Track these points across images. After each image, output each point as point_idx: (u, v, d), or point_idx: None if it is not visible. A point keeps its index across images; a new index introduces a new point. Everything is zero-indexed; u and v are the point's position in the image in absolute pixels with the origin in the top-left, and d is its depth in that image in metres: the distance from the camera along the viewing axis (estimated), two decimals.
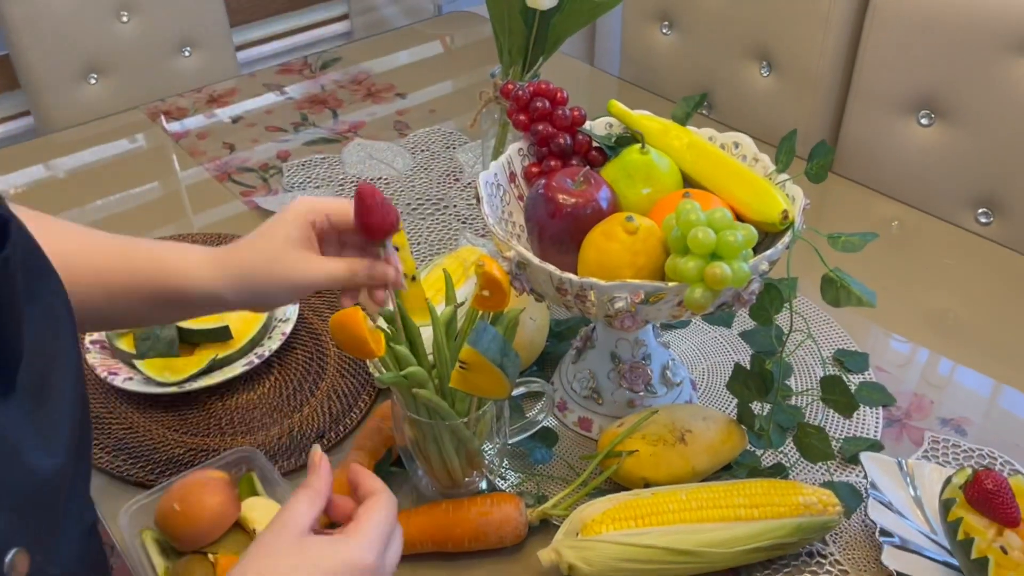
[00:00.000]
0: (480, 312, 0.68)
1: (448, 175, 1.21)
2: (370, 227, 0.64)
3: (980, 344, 0.94)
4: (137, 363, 0.85)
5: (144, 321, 0.74)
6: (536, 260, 0.68)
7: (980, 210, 1.14)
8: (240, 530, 0.70)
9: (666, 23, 1.42)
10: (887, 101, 1.18)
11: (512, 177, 0.82)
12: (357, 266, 0.65)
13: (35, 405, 0.46)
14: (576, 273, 0.70)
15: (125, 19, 1.64)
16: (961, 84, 1.11)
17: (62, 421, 0.48)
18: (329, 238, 0.67)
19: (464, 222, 1.11)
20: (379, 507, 0.56)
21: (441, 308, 0.71)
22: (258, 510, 0.70)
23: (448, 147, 1.27)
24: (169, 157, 1.29)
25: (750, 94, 1.33)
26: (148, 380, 0.84)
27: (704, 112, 1.41)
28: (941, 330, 0.96)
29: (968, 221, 1.15)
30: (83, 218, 1.16)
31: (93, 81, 1.65)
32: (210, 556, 0.68)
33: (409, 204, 1.15)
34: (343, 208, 0.66)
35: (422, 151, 1.26)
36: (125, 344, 0.87)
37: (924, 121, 1.16)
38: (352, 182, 1.20)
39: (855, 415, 0.84)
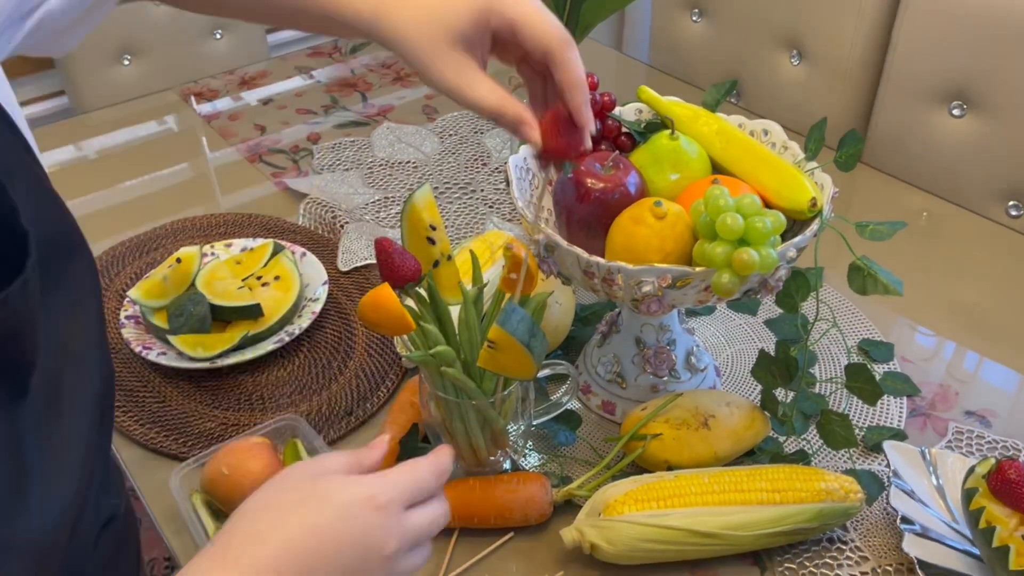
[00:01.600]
0: (507, 295, 0.69)
1: (476, 159, 1.21)
2: (557, 150, 0.58)
3: (1007, 337, 0.93)
4: (171, 338, 0.87)
5: (286, 20, 0.66)
6: (564, 243, 0.68)
7: (1011, 203, 1.13)
8: None
9: (696, 10, 1.42)
10: (919, 92, 1.17)
11: None
12: (508, 105, 0.57)
13: (49, 415, 0.45)
14: (604, 257, 0.71)
15: (219, 36, 1.66)
16: (994, 76, 1.10)
17: (78, 438, 0.47)
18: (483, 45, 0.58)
19: (491, 206, 1.12)
20: (417, 461, 0.53)
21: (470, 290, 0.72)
22: None
23: (476, 132, 1.27)
24: (200, 138, 1.31)
25: (780, 83, 1.32)
26: (181, 355, 0.86)
27: (733, 100, 1.41)
28: (968, 322, 0.96)
29: (998, 214, 1.14)
30: (114, 198, 1.18)
31: (127, 63, 1.67)
32: None
33: (437, 188, 1.16)
34: (536, 28, 0.57)
35: (450, 135, 1.27)
36: (159, 320, 0.89)
37: (956, 112, 1.15)
38: (381, 165, 1.21)
39: (879, 404, 0.85)
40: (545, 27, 0.58)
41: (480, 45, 0.58)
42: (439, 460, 0.55)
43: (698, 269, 0.65)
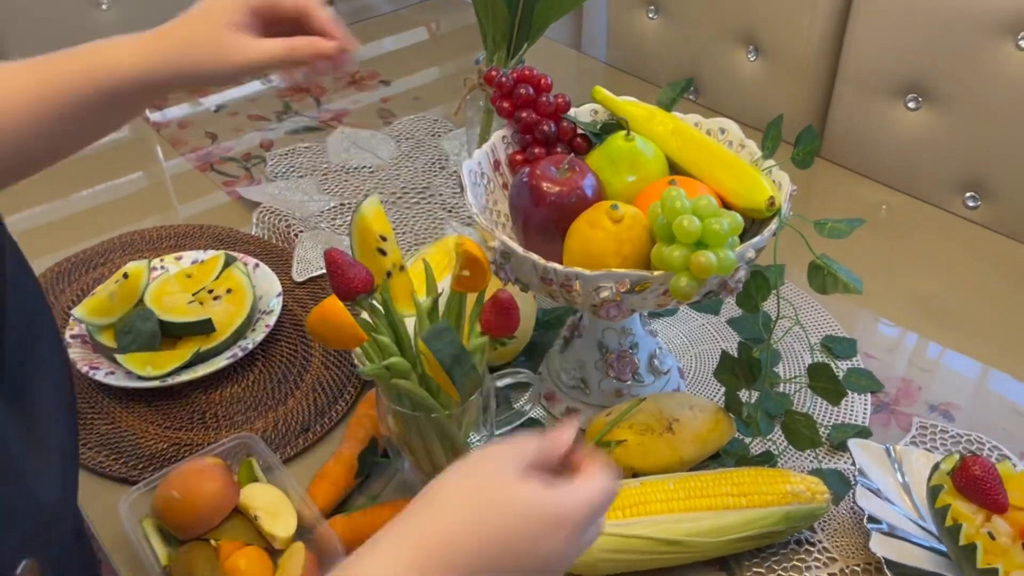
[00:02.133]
0: (462, 294, 0.67)
1: (433, 163, 1.19)
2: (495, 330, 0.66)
3: (967, 328, 0.94)
4: (118, 357, 0.84)
5: (76, 137, 0.69)
6: (520, 250, 0.67)
7: (968, 194, 1.14)
8: (240, 515, 0.69)
9: (652, 7, 1.41)
10: (874, 85, 1.17)
11: (496, 165, 0.81)
12: (296, 42, 0.64)
13: (24, 423, 0.45)
14: (562, 262, 0.69)
15: (105, 7, 1.61)
16: (948, 68, 1.10)
17: (53, 445, 0.47)
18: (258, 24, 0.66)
19: (449, 211, 1.10)
20: (608, 476, 0.50)
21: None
22: (258, 495, 0.70)
23: (433, 135, 1.25)
24: (151, 147, 1.28)
25: (737, 79, 1.32)
26: (130, 374, 0.83)
27: (691, 98, 1.40)
28: (929, 315, 0.96)
29: (956, 205, 1.15)
30: (58, 212, 1.14)
31: None
32: (212, 542, 0.67)
33: (394, 193, 1.14)
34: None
35: (407, 139, 1.25)
36: (106, 338, 0.86)
37: (911, 105, 1.15)
38: (336, 171, 1.18)
39: (844, 402, 0.84)
40: None
41: (247, 23, 0.65)
42: (611, 473, 0.51)
43: (656, 273, 0.64)
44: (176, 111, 1.34)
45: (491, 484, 0.48)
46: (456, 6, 1.66)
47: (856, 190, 1.15)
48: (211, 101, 1.37)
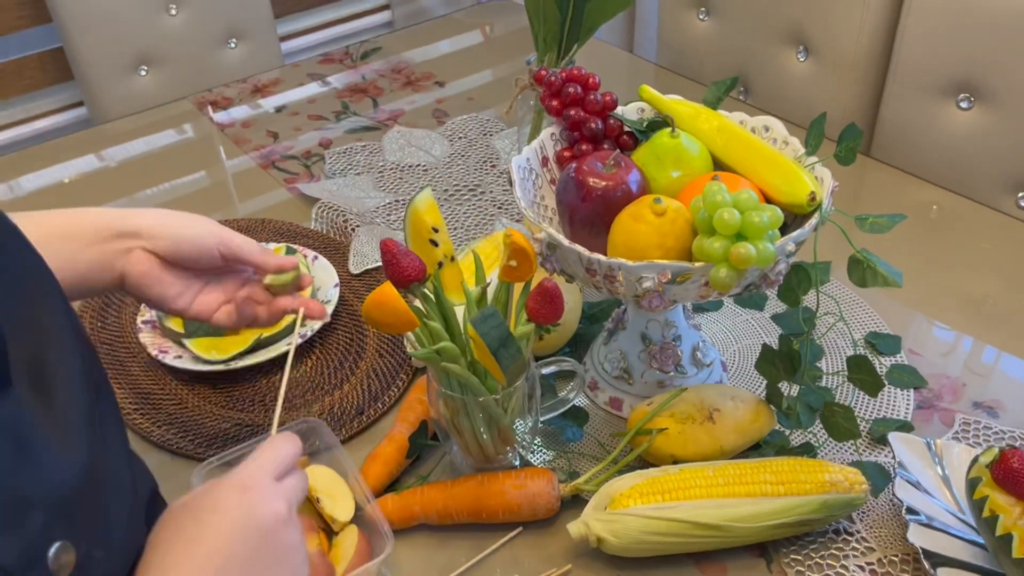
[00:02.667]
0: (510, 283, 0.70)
1: (485, 162, 1.23)
2: (540, 318, 0.69)
3: (1016, 328, 0.93)
4: (186, 342, 0.89)
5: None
6: (565, 241, 0.69)
7: (1020, 194, 1.13)
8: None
9: (703, 9, 1.42)
10: (925, 85, 1.17)
11: (545, 161, 0.84)
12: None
13: (39, 397, 0.45)
14: (606, 255, 0.72)
15: (174, 12, 1.69)
16: (1000, 67, 1.09)
17: (75, 413, 0.48)
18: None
19: (500, 207, 1.14)
20: (273, 438, 0.58)
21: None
22: (317, 477, 0.73)
23: (485, 134, 1.29)
24: (215, 146, 1.34)
25: (787, 79, 1.33)
26: (196, 358, 0.88)
27: (741, 98, 1.41)
28: (977, 314, 0.96)
29: (1008, 205, 1.14)
30: (132, 207, 1.21)
31: (143, 73, 1.70)
32: None
33: (447, 190, 1.17)
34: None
35: (459, 138, 1.28)
36: (175, 324, 0.91)
37: (963, 104, 1.15)
38: (391, 169, 1.22)
39: (886, 397, 0.85)
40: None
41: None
42: (290, 434, 0.59)
43: (697, 264, 0.66)
44: (239, 111, 1.40)
45: (185, 515, 0.52)
46: (510, 9, 1.69)
47: (907, 189, 1.15)
48: (271, 102, 1.42)
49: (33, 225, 0.54)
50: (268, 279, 0.75)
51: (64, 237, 0.66)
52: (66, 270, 0.63)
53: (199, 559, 0.49)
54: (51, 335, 0.49)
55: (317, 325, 0.92)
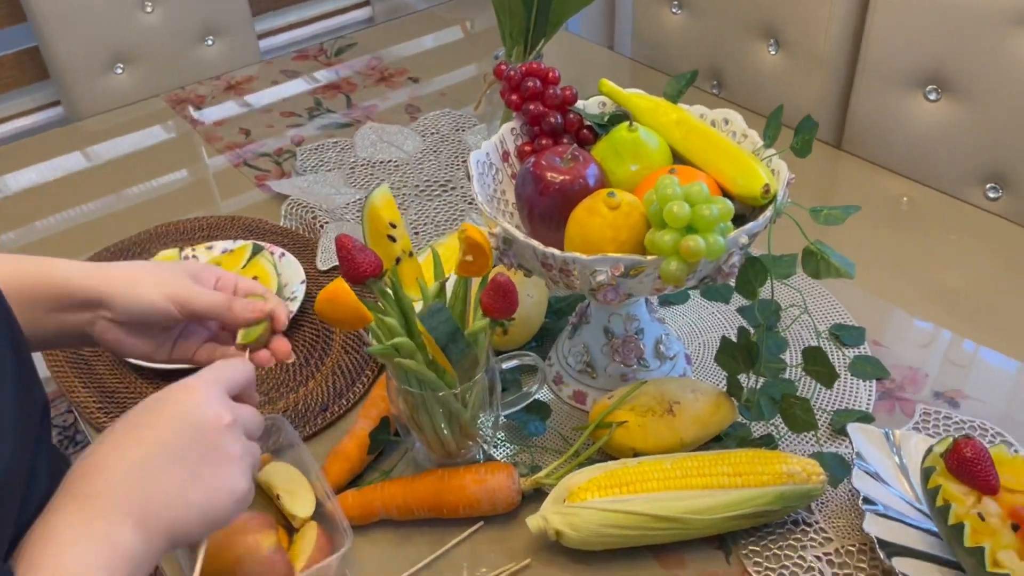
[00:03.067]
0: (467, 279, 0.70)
1: (456, 157, 1.23)
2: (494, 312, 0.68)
3: (983, 319, 0.94)
4: None
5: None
6: (520, 236, 0.70)
7: (988, 185, 1.14)
8: (262, 493, 0.73)
9: (675, 3, 1.43)
10: (894, 77, 1.17)
11: (506, 156, 0.84)
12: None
13: None
14: (563, 249, 0.72)
15: (149, 9, 1.68)
16: (968, 59, 1.10)
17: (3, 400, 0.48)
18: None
19: (471, 203, 1.14)
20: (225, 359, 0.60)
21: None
22: (278, 474, 0.73)
23: (457, 129, 1.29)
24: (187, 145, 1.33)
25: (759, 72, 1.33)
26: None
27: (714, 91, 1.42)
28: (945, 305, 0.96)
29: (976, 197, 1.15)
30: (101, 208, 1.20)
31: (119, 71, 1.70)
32: None
33: (417, 186, 1.17)
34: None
35: (432, 134, 1.28)
36: None
37: (932, 96, 1.16)
38: (363, 165, 1.22)
39: (849, 388, 0.85)
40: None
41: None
42: (243, 358, 0.62)
43: (649, 258, 0.66)
44: (212, 108, 1.40)
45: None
46: (491, 4, 1.69)
47: (877, 181, 1.15)
48: (245, 100, 1.42)
49: None
50: (240, 338, 0.68)
51: (26, 302, 0.64)
52: (35, 333, 0.64)
53: (135, 441, 0.52)
54: None
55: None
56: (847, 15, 1.20)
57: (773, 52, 1.30)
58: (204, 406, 0.54)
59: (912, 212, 1.11)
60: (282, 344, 0.69)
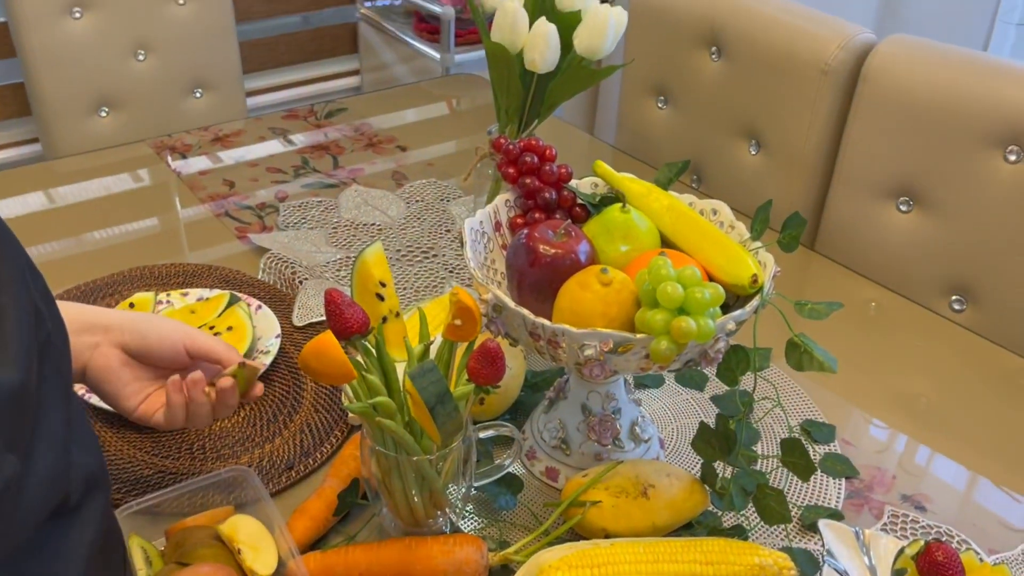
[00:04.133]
0: (454, 343, 0.70)
1: (439, 225, 1.24)
2: (482, 378, 0.68)
3: (946, 426, 0.95)
4: None
5: None
6: (512, 304, 0.70)
7: (954, 296, 1.17)
8: (222, 545, 0.70)
9: (662, 97, 1.47)
10: (869, 186, 1.22)
11: (498, 226, 0.85)
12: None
13: None
14: (551, 321, 0.72)
15: (142, 57, 1.69)
16: (941, 174, 1.15)
17: (13, 334, 0.49)
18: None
19: (451, 271, 1.14)
20: None
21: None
22: (241, 527, 0.71)
23: (442, 199, 1.30)
24: (169, 192, 1.32)
25: (738, 170, 1.37)
26: None
27: (693, 185, 1.46)
28: (910, 410, 0.98)
29: (942, 307, 1.18)
30: (77, 247, 1.18)
31: (104, 114, 1.69)
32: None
33: (399, 250, 1.18)
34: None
35: (416, 201, 1.29)
36: None
37: (903, 208, 1.20)
38: (345, 225, 1.22)
39: (818, 485, 0.86)
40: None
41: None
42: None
43: (639, 336, 0.66)
44: (198, 160, 1.39)
45: None
46: (477, 84, 1.73)
47: (847, 285, 1.18)
48: (231, 153, 1.42)
49: None
50: (229, 369, 0.74)
51: None
52: None
53: None
54: (4, 286, 0.49)
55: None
56: (827, 122, 1.25)
57: (754, 152, 1.35)
58: None
59: (880, 317, 1.14)
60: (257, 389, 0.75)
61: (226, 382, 0.72)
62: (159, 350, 0.73)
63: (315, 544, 0.75)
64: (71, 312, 0.70)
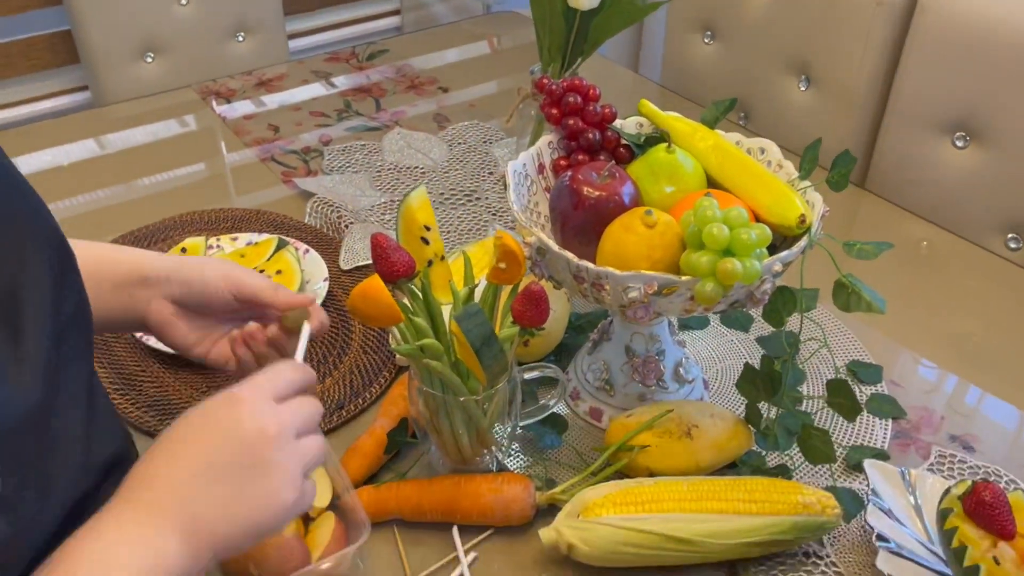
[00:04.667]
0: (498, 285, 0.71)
1: (482, 168, 1.23)
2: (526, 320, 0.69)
3: (997, 366, 0.94)
4: None
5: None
6: (555, 247, 0.70)
7: (1010, 235, 1.14)
8: None
9: (708, 32, 1.44)
10: (923, 121, 1.18)
11: (541, 169, 0.84)
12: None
13: (5, 329, 0.48)
14: (595, 263, 0.72)
15: (184, 2, 1.69)
16: (997, 108, 1.11)
17: (37, 353, 0.50)
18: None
19: (494, 214, 1.14)
20: (278, 363, 0.59)
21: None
22: None
23: (485, 141, 1.30)
24: (215, 137, 1.34)
25: (788, 107, 1.34)
26: None
27: (741, 123, 1.43)
28: (960, 350, 0.96)
29: (998, 245, 1.15)
30: (127, 193, 1.21)
31: (149, 60, 1.71)
32: None
33: (442, 194, 1.18)
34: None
35: (459, 144, 1.29)
36: None
37: (959, 143, 1.16)
38: (389, 169, 1.23)
39: (864, 426, 0.85)
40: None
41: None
42: (297, 362, 0.61)
43: (684, 278, 0.66)
44: (242, 104, 1.40)
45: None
46: (518, 21, 1.71)
47: (899, 223, 1.16)
48: (275, 97, 1.43)
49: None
50: (283, 320, 0.72)
51: (89, 278, 0.67)
52: (97, 313, 0.66)
53: (181, 459, 0.52)
54: (30, 276, 0.51)
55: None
56: (880, 57, 1.21)
57: (803, 88, 1.31)
58: (248, 420, 0.53)
59: (932, 256, 1.11)
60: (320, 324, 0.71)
61: (276, 335, 0.72)
62: (206, 299, 0.72)
63: (367, 481, 0.78)
64: (126, 263, 0.71)
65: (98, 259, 0.70)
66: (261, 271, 0.96)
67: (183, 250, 0.96)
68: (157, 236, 1.08)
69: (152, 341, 0.88)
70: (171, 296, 0.71)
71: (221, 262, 0.73)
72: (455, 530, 0.74)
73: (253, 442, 0.53)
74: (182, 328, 0.72)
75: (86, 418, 0.55)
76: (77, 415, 0.54)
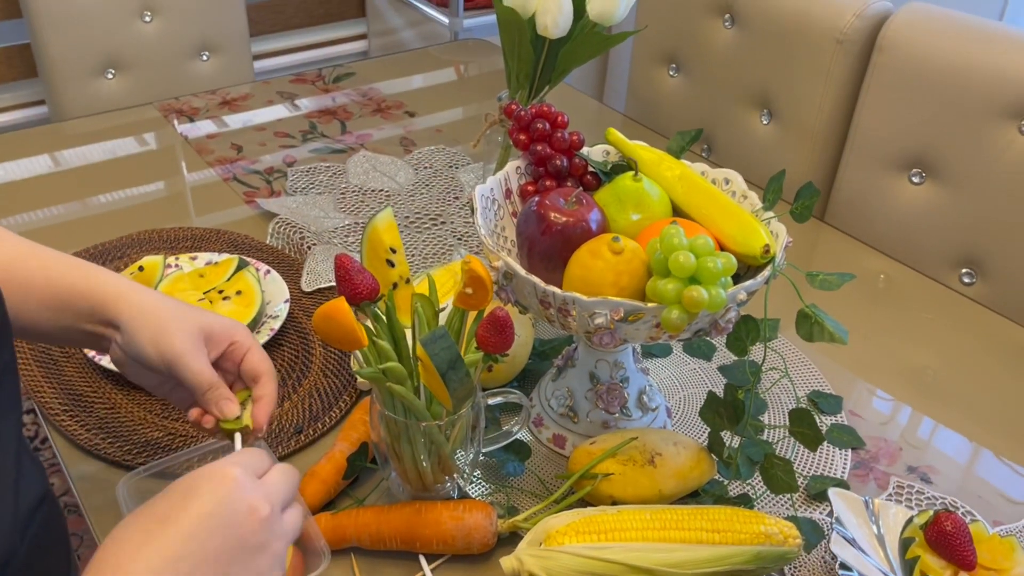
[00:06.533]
0: (464, 311, 0.70)
1: (448, 192, 1.23)
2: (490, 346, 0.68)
3: (953, 399, 0.95)
4: None
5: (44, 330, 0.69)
6: (522, 271, 0.70)
7: (964, 270, 1.17)
8: None
9: (674, 65, 1.46)
10: (881, 157, 1.21)
11: (508, 194, 0.84)
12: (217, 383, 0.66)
13: None
14: (561, 289, 0.72)
15: (148, 19, 1.68)
16: (953, 146, 1.14)
17: None
18: None
19: (459, 239, 1.14)
20: (288, 468, 0.56)
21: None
22: None
23: (451, 166, 1.29)
24: (177, 155, 1.32)
25: (750, 140, 1.36)
26: None
27: (703, 154, 1.44)
28: (917, 383, 0.98)
29: (952, 280, 1.17)
30: (85, 210, 1.18)
31: (110, 76, 1.68)
32: None
33: (407, 217, 1.17)
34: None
35: (425, 168, 1.29)
36: None
37: (915, 179, 1.19)
38: (354, 191, 1.22)
39: (824, 455, 0.86)
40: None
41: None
42: (294, 470, 0.57)
43: (650, 304, 0.66)
44: (205, 122, 1.39)
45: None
46: (485, 48, 1.72)
47: (857, 257, 1.18)
48: (238, 117, 1.41)
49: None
50: (221, 423, 0.67)
51: (57, 307, 0.65)
52: (62, 338, 0.67)
53: (161, 540, 0.48)
54: None
55: (263, 339, 0.90)
56: (840, 93, 1.23)
57: (765, 122, 1.33)
58: (237, 501, 0.50)
59: (889, 289, 1.13)
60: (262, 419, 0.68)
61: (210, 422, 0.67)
62: (142, 368, 0.67)
63: (326, 507, 0.76)
64: (90, 299, 0.66)
65: (70, 283, 0.66)
66: (220, 291, 0.95)
67: (140, 268, 0.94)
68: (114, 253, 1.06)
69: (105, 360, 0.86)
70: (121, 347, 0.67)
71: (175, 321, 0.65)
72: (422, 558, 0.73)
73: (242, 525, 0.50)
74: (138, 372, 0.68)
75: (15, 466, 0.53)
76: (7, 464, 0.52)
